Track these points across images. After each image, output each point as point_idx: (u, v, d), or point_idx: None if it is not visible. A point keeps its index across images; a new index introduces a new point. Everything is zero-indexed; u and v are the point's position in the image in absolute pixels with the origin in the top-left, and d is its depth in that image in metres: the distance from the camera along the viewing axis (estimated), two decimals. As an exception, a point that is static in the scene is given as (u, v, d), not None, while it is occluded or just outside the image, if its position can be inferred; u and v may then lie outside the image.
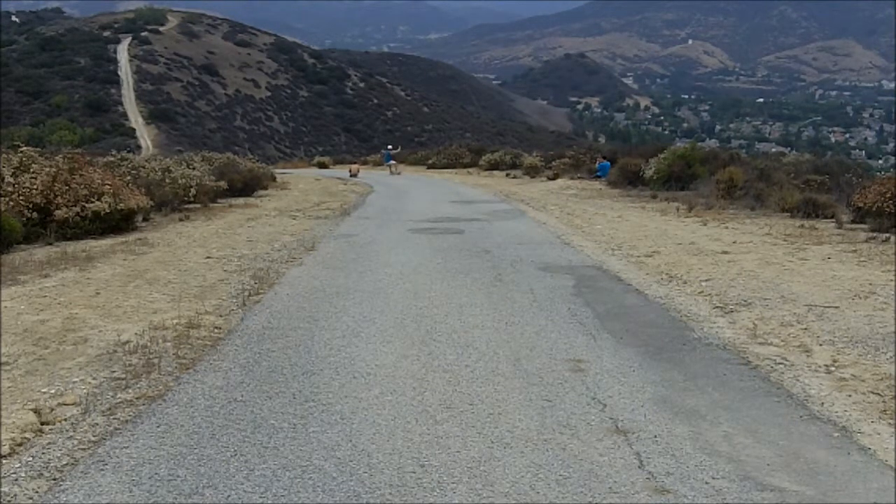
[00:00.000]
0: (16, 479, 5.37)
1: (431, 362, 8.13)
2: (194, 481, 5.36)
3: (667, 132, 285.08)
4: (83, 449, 5.88)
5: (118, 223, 18.16)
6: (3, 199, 16.04)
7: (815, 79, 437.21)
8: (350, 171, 52.80)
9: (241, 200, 28.09)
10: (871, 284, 11.70)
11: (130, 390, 7.13)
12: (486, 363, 8.11)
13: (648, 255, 15.12)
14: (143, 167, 25.87)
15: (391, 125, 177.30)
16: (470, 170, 55.13)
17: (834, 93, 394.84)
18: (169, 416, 6.50)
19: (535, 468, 5.60)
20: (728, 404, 6.95)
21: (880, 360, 8.20)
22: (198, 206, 24.45)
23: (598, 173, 38.71)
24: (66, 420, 6.41)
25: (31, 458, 5.70)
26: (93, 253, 14.67)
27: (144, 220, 20.30)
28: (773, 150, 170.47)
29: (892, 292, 11.13)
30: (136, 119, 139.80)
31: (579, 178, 40.05)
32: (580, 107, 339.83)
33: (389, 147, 62.68)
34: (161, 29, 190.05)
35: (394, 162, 56.79)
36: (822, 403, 7.02)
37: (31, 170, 17.66)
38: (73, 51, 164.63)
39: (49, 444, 5.98)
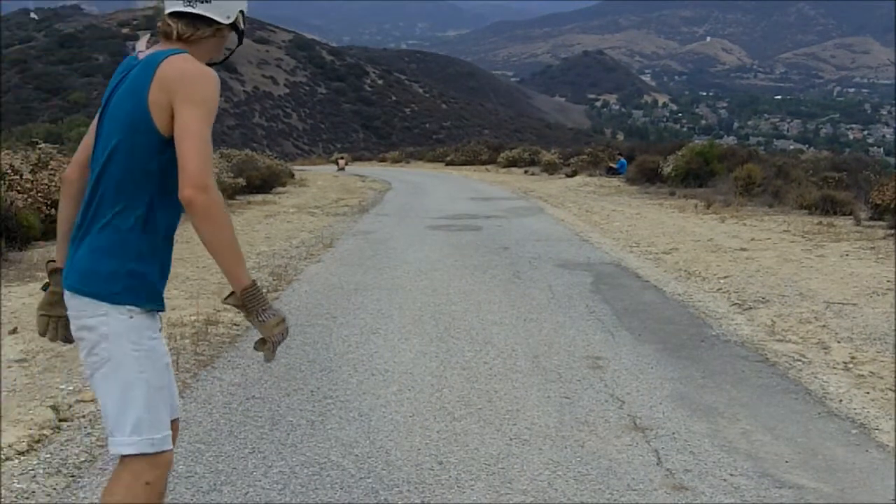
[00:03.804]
0: (34, 476, 5.37)
1: (450, 359, 8.13)
2: (212, 478, 5.36)
3: (685, 129, 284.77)
4: (101, 446, 5.86)
5: (136, 220, 18.16)
6: (21, 195, 16.06)
7: (833, 76, 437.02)
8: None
9: (259, 197, 28.08)
10: (889, 281, 11.66)
11: (148, 387, 7.14)
12: (504, 360, 8.11)
13: (666, 251, 15.11)
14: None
15: (409, 122, 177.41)
16: (488, 167, 55.04)
17: (852, 90, 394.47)
18: (187, 413, 6.49)
19: (554, 465, 5.59)
20: (746, 401, 6.94)
21: (900, 357, 8.18)
22: (216, 202, 24.44)
23: (618, 171, 38.69)
24: (84, 417, 6.41)
25: (48, 455, 5.70)
26: (111, 250, 14.68)
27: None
28: (791, 147, 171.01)
29: (912, 289, 11.10)
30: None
31: (599, 174, 40.00)
32: (598, 104, 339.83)
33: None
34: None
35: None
36: (841, 400, 7.00)
37: (50, 166, 17.67)
38: (92, 48, 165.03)
39: (67, 440, 5.97)
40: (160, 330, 3.59)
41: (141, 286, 3.45)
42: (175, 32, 3.57)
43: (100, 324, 3.39)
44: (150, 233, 3.52)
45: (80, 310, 3.45)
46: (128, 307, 3.40)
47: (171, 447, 3.53)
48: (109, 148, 3.45)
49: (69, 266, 3.53)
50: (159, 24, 3.62)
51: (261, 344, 3.54)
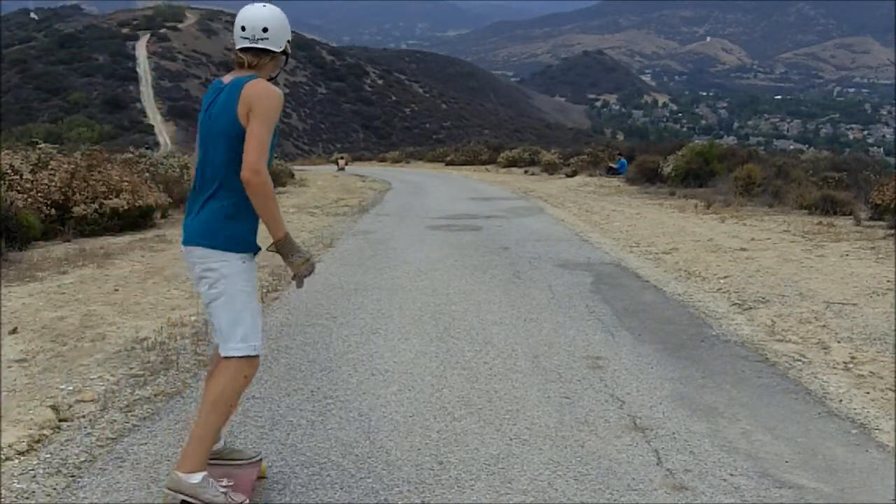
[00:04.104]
0: (34, 476, 5.38)
1: (449, 359, 8.13)
2: (212, 478, 5.36)
3: (685, 129, 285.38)
4: (101, 446, 5.88)
5: (136, 220, 18.18)
6: (21, 195, 16.07)
7: (833, 76, 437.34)
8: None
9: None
10: (889, 281, 11.66)
11: (148, 387, 7.15)
12: (504, 360, 8.12)
13: (666, 251, 15.11)
14: (162, 164, 25.91)
15: (409, 122, 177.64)
16: (488, 167, 55.07)
17: (852, 90, 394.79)
18: (187, 413, 6.50)
19: (554, 465, 5.59)
20: (746, 401, 6.94)
21: (900, 357, 8.19)
22: (216, 203, 24.45)
23: (618, 171, 38.75)
24: (84, 417, 6.42)
25: (48, 455, 5.71)
26: (111, 250, 14.70)
27: (163, 216, 20.31)
28: (791, 147, 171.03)
29: (912, 289, 11.10)
30: (154, 116, 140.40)
31: (599, 174, 40.03)
32: (598, 104, 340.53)
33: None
34: (179, 26, 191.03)
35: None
36: (841, 400, 7.00)
37: (50, 166, 17.69)
38: (92, 48, 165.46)
39: (67, 440, 5.98)
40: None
41: (245, 241, 4.97)
42: (245, 62, 5.03)
43: (221, 266, 4.88)
44: (237, 202, 4.92)
45: (206, 257, 4.90)
46: (241, 255, 4.95)
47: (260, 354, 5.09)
48: (211, 147, 4.94)
49: (191, 228, 4.98)
50: (233, 56, 5.14)
51: (293, 277, 5.21)
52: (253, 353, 5.01)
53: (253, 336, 5.01)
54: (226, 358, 4.96)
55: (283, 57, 5.30)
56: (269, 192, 4.86)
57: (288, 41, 5.23)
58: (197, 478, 4.81)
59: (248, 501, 4.94)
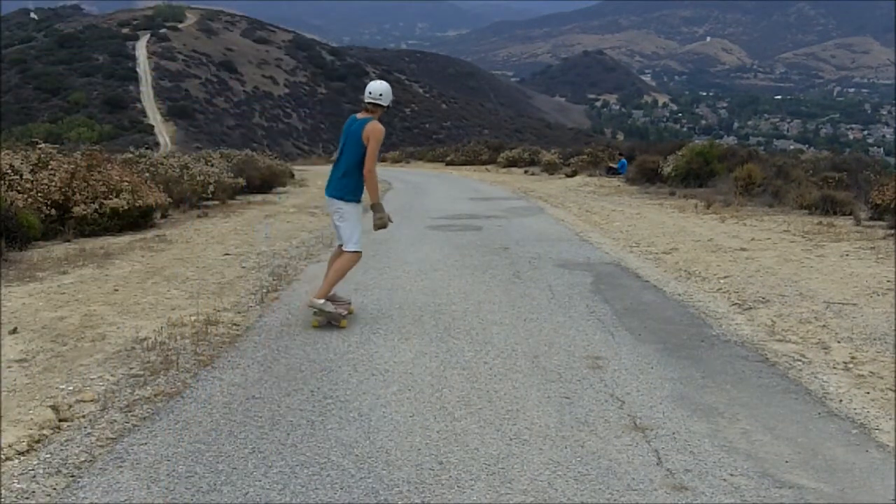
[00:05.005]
0: (34, 476, 5.39)
1: (450, 359, 8.15)
2: (212, 478, 5.37)
3: (685, 129, 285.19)
4: (101, 446, 5.89)
5: (136, 220, 18.19)
6: (21, 195, 16.07)
7: (832, 76, 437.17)
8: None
9: (259, 197, 28.12)
10: (889, 281, 11.66)
11: (148, 387, 7.15)
12: (504, 360, 8.13)
13: (667, 251, 15.11)
14: (162, 164, 25.88)
15: (409, 122, 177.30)
16: (488, 167, 55.09)
17: (852, 90, 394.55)
18: (187, 413, 6.52)
19: (554, 465, 5.60)
20: (746, 401, 6.95)
21: (900, 357, 8.19)
22: (216, 202, 24.49)
23: (618, 170, 38.79)
24: (84, 417, 6.43)
25: (48, 455, 5.72)
26: (111, 250, 14.71)
27: (163, 216, 20.32)
28: (792, 147, 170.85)
29: (912, 289, 11.11)
30: (154, 116, 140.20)
31: (599, 174, 40.05)
32: (598, 104, 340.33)
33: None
34: (180, 26, 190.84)
35: None
36: (841, 400, 7.01)
37: (50, 166, 17.68)
38: (92, 48, 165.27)
39: (67, 440, 5.99)
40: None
41: (356, 197, 9.75)
42: (369, 110, 9.72)
43: (345, 206, 9.76)
44: (357, 180, 9.70)
45: (339, 204, 9.80)
46: (353, 203, 9.76)
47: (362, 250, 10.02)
48: (347, 152, 9.71)
49: (333, 188, 9.84)
50: (363, 106, 9.90)
51: (374, 226, 9.84)
52: (358, 249, 10.03)
53: (357, 243, 9.99)
54: (345, 251, 10.01)
55: (387, 108, 10.02)
56: (374, 180, 9.93)
57: (391, 101, 10.08)
58: (322, 301, 9.70)
59: (344, 313, 9.87)
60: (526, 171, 48.45)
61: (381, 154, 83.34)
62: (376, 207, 9.80)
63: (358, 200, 9.81)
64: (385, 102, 9.82)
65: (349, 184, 9.77)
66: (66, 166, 17.84)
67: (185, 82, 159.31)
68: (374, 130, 9.56)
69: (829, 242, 15.50)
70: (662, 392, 7.16)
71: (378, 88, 9.82)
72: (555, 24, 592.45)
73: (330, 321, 9.60)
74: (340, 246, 10.05)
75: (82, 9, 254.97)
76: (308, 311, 9.89)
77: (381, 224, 9.87)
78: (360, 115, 9.86)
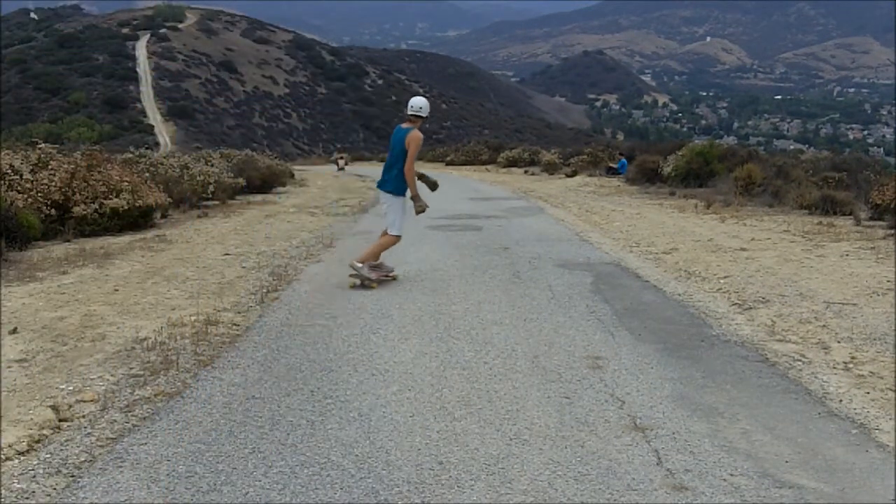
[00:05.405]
0: (33, 476, 5.39)
1: (449, 359, 8.14)
2: (212, 478, 5.37)
3: (685, 129, 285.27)
4: (101, 446, 5.89)
5: (136, 220, 18.20)
6: (21, 195, 16.08)
7: (832, 76, 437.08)
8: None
9: (259, 197, 28.15)
10: (889, 281, 11.66)
11: (148, 387, 7.15)
12: (504, 360, 8.13)
13: (667, 251, 15.11)
14: (162, 164, 25.91)
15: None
16: (488, 167, 55.16)
17: (852, 90, 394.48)
18: (187, 413, 6.52)
19: (554, 465, 5.60)
20: (746, 401, 6.94)
21: (900, 357, 8.18)
22: (216, 202, 24.51)
23: (619, 170, 38.81)
24: (84, 417, 6.43)
25: (48, 455, 5.72)
26: (111, 250, 14.71)
27: (163, 216, 20.33)
28: (792, 147, 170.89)
29: (912, 289, 11.11)
30: (154, 116, 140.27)
31: (599, 174, 40.06)
32: (598, 104, 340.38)
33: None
34: (180, 26, 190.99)
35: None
36: (841, 400, 7.01)
37: (50, 166, 17.69)
38: (92, 48, 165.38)
39: (67, 440, 5.99)
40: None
41: (401, 191, 12.34)
42: (410, 120, 12.20)
43: (392, 198, 12.39)
44: (400, 175, 12.17)
45: (386, 194, 12.45)
46: (400, 196, 12.36)
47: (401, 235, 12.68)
48: (394, 153, 12.25)
49: (384, 183, 12.42)
50: (408, 116, 12.36)
51: (416, 212, 12.54)
52: (399, 234, 12.48)
53: (399, 229, 12.44)
54: (389, 234, 12.46)
55: (425, 118, 12.29)
56: (412, 177, 12.17)
57: (428, 113, 12.37)
58: (360, 265, 11.99)
59: (374, 277, 12.14)
60: (526, 171, 48.49)
61: (379, 155, 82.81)
62: (415, 198, 12.44)
63: (402, 194, 12.36)
64: (424, 114, 12.25)
65: (395, 180, 12.28)
66: (66, 166, 17.85)
67: (185, 82, 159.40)
68: (414, 138, 12.00)
69: (829, 242, 15.50)
70: (662, 392, 7.16)
71: (418, 103, 12.27)
72: (555, 24, 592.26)
73: (364, 282, 12.08)
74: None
75: (82, 9, 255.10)
76: (341, 275, 12.60)
77: (420, 210, 12.52)
78: (404, 125, 12.31)
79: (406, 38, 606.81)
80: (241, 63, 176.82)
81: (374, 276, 12.13)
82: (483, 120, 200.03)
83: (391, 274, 12.70)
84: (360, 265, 12.02)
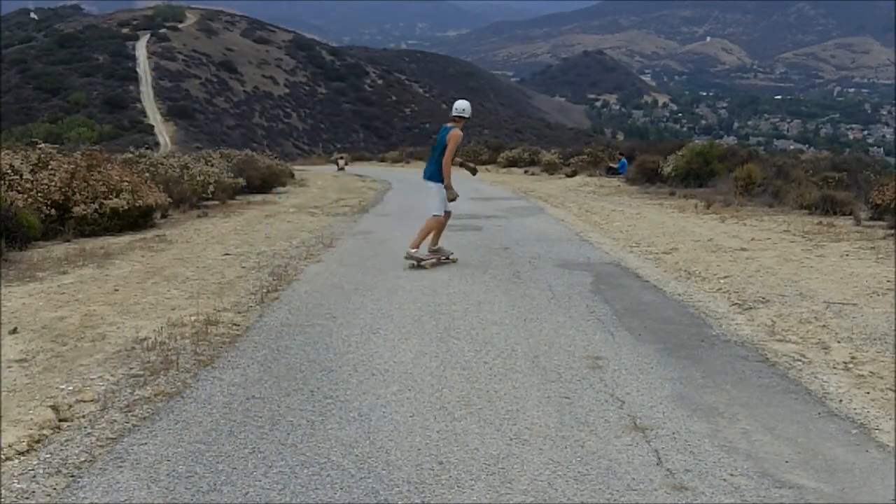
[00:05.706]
0: (33, 476, 5.39)
1: (449, 359, 8.14)
2: (212, 478, 5.37)
3: (685, 129, 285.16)
4: (101, 446, 5.89)
5: (136, 220, 18.20)
6: (21, 195, 16.07)
7: (832, 76, 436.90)
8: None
9: (259, 197, 28.13)
10: (889, 281, 11.66)
11: (148, 387, 7.15)
12: (504, 360, 8.13)
13: (667, 251, 15.11)
14: (162, 164, 25.88)
15: (409, 122, 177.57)
16: (488, 167, 55.07)
17: (852, 90, 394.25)
18: (187, 413, 6.52)
19: (554, 465, 5.60)
20: (746, 401, 6.94)
21: (900, 357, 8.18)
22: (216, 202, 24.50)
23: (619, 170, 38.82)
24: (84, 417, 6.43)
25: (48, 455, 5.72)
26: (111, 250, 14.71)
27: (163, 216, 20.33)
28: (792, 147, 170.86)
29: (912, 289, 11.10)
30: (154, 116, 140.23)
31: (599, 174, 40.06)
32: (598, 104, 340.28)
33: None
34: (180, 26, 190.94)
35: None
36: (841, 400, 7.01)
37: (50, 166, 17.68)
38: (92, 48, 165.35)
39: (67, 440, 5.99)
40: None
41: (440, 179, 14.12)
42: (454, 120, 14.04)
43: (434, 185, 14.21)
44: (438, 167, 14.05)
45: (429, 182, 14.33)
46: (439, 183, 14.13)
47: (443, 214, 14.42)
48: (437, 148, 14.14)
49: (428, 174, 14.35)
50: (452, 116, 14.27)
51: (448, 200, 14.18)
52: (440, 213, 14.15)
53: (439, 211, 14.13)
54: (430, 216, 14.17)
55: (468, 119, 13.96)
56: (448, 170, 13.82)
57: (469, 114, 14.04)
58: (414, 250, 13.76)
59: (430, 261, 13.89)
60: (526, 171, 48.51)
61: (380, 154, 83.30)
62: (448, 188, 14.01)
63: (440, 181, 14.11)
64: (466, 115, 14.05)
65: (435, 170, 14.10)
66: (66, 166, 17.83)
67: (185, 82, 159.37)
68: (454, 136, 13.77)
69: (829, 242, 15.50)
70: (662, 392, 7.16)
71: (461, 105, 14.14)
72: (555, 24, 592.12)
73: (419, 264, 13.77)
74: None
75: (82, 9, 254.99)
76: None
77: (451, 198, 14.11)
78: (448, 124, 14.06)
79: (406, 38, 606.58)
80: (241, 63, 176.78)
81: (428, 257, 14.06)
82: (483, 120, 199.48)
83: (451, 257, 14.45)
84: (413, 250, 13.91)
